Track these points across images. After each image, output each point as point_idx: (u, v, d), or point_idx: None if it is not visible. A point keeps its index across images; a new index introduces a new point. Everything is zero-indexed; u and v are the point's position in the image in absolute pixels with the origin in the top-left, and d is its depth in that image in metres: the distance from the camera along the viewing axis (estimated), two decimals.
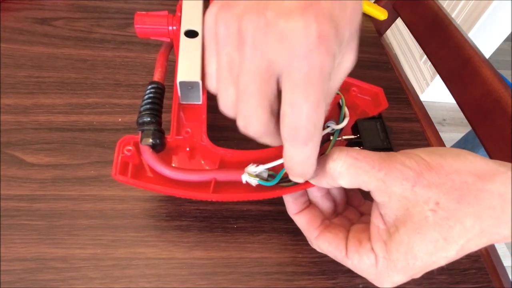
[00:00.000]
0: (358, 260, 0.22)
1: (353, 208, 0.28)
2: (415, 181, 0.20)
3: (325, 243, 0.24)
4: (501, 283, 0.30)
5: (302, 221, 0.26)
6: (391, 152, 0.21)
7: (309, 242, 0.26)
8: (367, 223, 0.25)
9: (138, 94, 0.36)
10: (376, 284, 0.23)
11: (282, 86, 0.17)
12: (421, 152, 0.21)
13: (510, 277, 0.31)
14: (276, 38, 0.16)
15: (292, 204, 0.26)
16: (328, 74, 0.17)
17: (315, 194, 0.26)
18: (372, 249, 0.22)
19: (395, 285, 0.22)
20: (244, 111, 0.18)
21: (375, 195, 0.21)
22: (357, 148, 0.22)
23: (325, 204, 0.27)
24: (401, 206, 0.20)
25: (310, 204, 0.27)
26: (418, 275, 0.22)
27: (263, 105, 0.18)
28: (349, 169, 0.21)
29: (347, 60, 0.19)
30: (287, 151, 0.19)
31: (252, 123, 0.19)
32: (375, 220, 0.22)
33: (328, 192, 0.27)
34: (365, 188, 0.21)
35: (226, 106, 0.20)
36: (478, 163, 0.20)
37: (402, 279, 0.22)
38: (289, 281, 0.27)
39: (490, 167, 0.20)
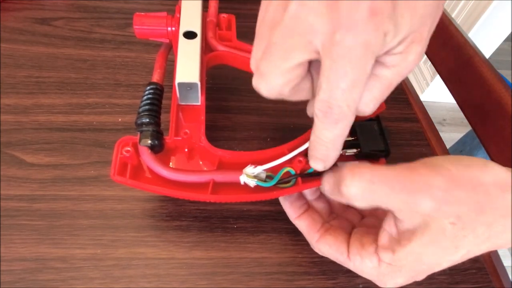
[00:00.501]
0: (360, 262, 0.22)
1: (353, 209, 0.28)
2: (441, 199, 0.19)
3: (326, 246, 0.24)
4: (501, 283, 0.30)
5: (303, 225, 0.26)
6: (411, 165, 0.20)
7: (311, 246, 0.26)
8: (369, 226, 0.25)
9: (138, 94, 0.36)
10: (378, 284, 0.23)
11: (322, 58, 0.16)
12: (446, 163, 0.19)
13: (510, 277, 0.31)
14: (326, 3, 0.15)
15: (289, 209, 0.26)
16: (373, 53, 0.16)
17: (309, 198, 0.27)
18: (376, 252, 0.22)
19: (397, 286, 0.22)
20: (264, 65, 0.17)
21: (396, 213, 0.20)
22: (368, 164, 0.20)
23: (319, 205, 0.27)
24: (422, 221, 0.20)
25: (309, 208, 0.26)
26: (421, 277, 0.21)
27: (285, 66, 0.17)
28: (364, 194, 0.20)
29: (413, 51, 0.17)
30: (316, 129, 0.19)
31: (266, 78, 0.18)
32: (388, 228, 0.22)
33: (321, 195, 0.27)
34: (384, 208, 0.20)
35: (252, 61, 0.19)
36: (502, 174, 0.19)
37: (405, 281, 0.22)
38: (289, 281, 0.27)
39: (509, 177, 0.19)
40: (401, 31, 0.16)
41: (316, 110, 0.18)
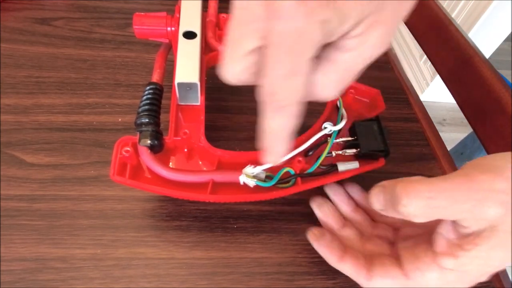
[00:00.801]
0: (421, 276, 0.21)
1: (382, 223, 0.27)
2: (508, 203, 0.18)
3: (378, 278, 0.22)
4: (501, 283, 0.30)
5: (347, 267, 0.24)
6: (464, 172, 0.19)
7: (361, 284, 0.24)
8: (410, 237, 0.24)
9: (138, 94, 0.36)
10: None
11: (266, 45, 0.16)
12: (499, 162, 0.19)
13: (510, 277, 0.31)
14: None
15: (328, 253, 0.24)
16: (310, 41, 0.16)
17: (344, 210, 0.27)
18: (434, 260, 0.20)
19: None
20: (225, 54, 0.18)
21: (459, 222, 0.20)
22: (420, 178, 0.20)
23: (358, 218, 0.27)
24: (488, 226, 0.19)
25: (346, 248, 0.25)
26: (485, 278, 0.20)
27: (238, 54, 0.17)
28: (425, 211, 0.19)
29: (373, 35, 0.17)
30: (262, 118, 0.18)
31: (226, 65, 0.18)
32: (445, 233, 0.21)
33: (358, 206, 0.27)
34: (446, 219, 0.20)
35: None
36: None
37: (470, 284, 0.20)
38: (289, 281, 0.27)
39: None
40: (348, 16, 0.16)
41: (261, 98, 0.17)
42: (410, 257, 0.22)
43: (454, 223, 0.20)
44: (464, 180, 0.19)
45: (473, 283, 0.20)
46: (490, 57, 1.33)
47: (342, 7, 0.16)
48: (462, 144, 0.88)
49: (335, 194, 0.29)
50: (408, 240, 0.24)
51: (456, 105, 0.41)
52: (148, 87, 0.27)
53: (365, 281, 0.23)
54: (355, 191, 0.29)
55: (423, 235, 0.23)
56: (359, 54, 0.18)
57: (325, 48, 0.18)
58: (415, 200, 0.19)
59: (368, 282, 0.23)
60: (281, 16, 0.15)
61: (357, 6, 0.16)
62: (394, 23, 0.18)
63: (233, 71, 0.18)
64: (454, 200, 0.18)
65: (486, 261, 0.19)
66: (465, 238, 0.20)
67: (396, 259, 0.23)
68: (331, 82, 0.18)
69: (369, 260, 0.24)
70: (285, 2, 0.15)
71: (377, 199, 0.22)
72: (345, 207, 0.28)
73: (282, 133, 0.18)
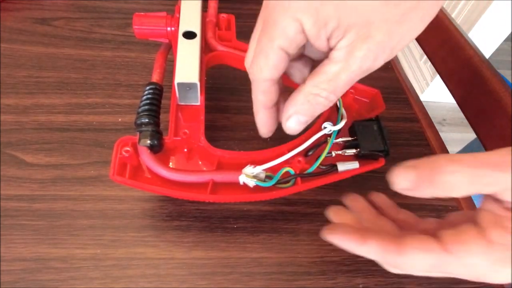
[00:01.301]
0: (464, 251, 0.18)
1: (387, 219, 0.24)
2: None
3: (414, 251, 0.19)
4: (501, 283, 0.30)
5: (375, 247, 0.20)
6: (503, 149, 0.18)
7: (390, 268, 0.21)
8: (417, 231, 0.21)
9: (138, 94, 0.36)
10: (487, 279, 0.18)
11: None
12: None
13: None
14: None
15: (348, 239, 0.21)
16: (281, 32, 0.19)
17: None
18: (481, 234, 0.18)
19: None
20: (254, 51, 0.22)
21: (504, 195, 0.18)
22: (454, 154, 0.19)
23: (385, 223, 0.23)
24: None
25: (367, 231, 0.22)
26: None
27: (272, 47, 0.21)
28: (470, 179, 0.18)
29: (360, 48, 0.18)
30: None
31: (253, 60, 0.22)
32: (489, 207, 0.19)
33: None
34: (487, 192, 0.18)
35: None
36: None
37: None
38: (289, 281, 0.27)
39: None
40: (324, 21, 0.18)
41: None
42: (452, 232, 0.19)
43: (497, 199, 0.19)
44: (504, 152, 0.18)
45: None
46: (490, 57, 1.33)
47: (320, 12, 0.18)
48: (469, 149, 0.88)
49: (353, 200, 0.26)
50: (445, 220, 0.22)
51: (456, 105, 0.41)
52: (148, 87, 0.27)
53: (395, 255, 0.19)
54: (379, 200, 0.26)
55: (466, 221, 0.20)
56: (347, 66, 0.19)
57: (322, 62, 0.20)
58: (460, 167, 0.18)
59: (399, 257, 0.19)
60: (266, 6, 0.20)
61: (336, 13, 0.18)
62: (383, 39, 0.18)
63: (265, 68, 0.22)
64: (496, 166, 0.18)
65: None
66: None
67: (434, 236, 0.20)
68: (322, 90, 0.21)
69: (401, 235, 0.20)
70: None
71: (405, 177, 0.20)
72: (367, 214, 0.25)
73: (260, 103, 0.23)
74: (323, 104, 0.21)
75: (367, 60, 0.19)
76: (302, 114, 0.22)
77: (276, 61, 0.21)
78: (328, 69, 0.20)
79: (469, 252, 0.18)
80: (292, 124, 0.23)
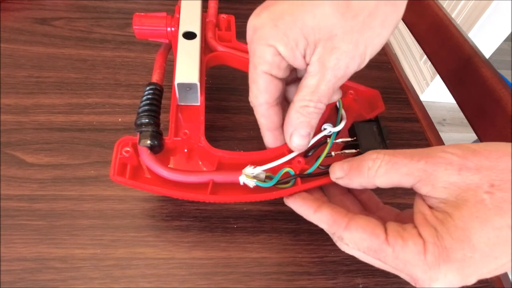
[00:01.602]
0: (401, 246, 0.19)
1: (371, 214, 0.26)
2: (460, 165, 0.18)
3: (359, 229, 0.21)
4: (501, 283, 0.30)
5: (325, 216, 0.22)
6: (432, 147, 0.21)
7: (336, 240, 0.23)
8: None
9: (138, 94, 0.36)
10: (422, 284, 0.19)
11: None
12: (464, 144, 0.20)
13: (510, 277, 0.31)
14: None
15: (303, 206, 0.24)
16: (261, 59, 0.22)
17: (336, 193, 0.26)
18: (420, 234, 0.19)
19: (448, 286, 0.19)
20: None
21: (418, 187, 0.20)
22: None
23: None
24: (450, 194, 0.19)
25: (327, 201, 0.25)
26: (473, 278, 0.18)
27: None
28: (387, 165, 0.20)
29: (329, 58, 0.21)
30: None
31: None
32: (420, 209, 0.20)
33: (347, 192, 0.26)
34: (405, 183, 0.20)
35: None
36: None
37: (456, 279, 0.18)
38: (289, 281, 0.27)
39: None
40: (297, 42, 0.21)
41: None
42: (396, 226, 0.20)
43: (424, 198, 0.20)
44: (426, 149, 0.20)
45: (458, 277, 0.18)
46: (490, 57, 1.33)
47: (289, 36, 0.21)
48: None
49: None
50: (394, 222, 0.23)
51: (456, 105, 0.41)
52: (148, 88, 0.27)
53: (341, 228, 0.21)
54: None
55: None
56: (323, 77, 0.21)
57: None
58: (382, 156, 0.21)
59: (344, 231, 0.21)
60: (248, 38, 0.23)
61: (302, 33, 0.21)
62: (353, 48, 0.21)
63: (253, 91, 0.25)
64: (411, 158, 0.20)
65: (466, 235, 0.18)
66: (441, 214, 0.19)
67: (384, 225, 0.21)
68: (307, 103, 0.23)
69: (354, 214, 0.22)
70: (248, 31, 0.23)
71: (340, 167, 0.23)
72: (334, 188, 0.26)
73: (263, 126, 0.25)
74: (315, 113, 0.23)
75: (339, 69, 0.21)
76: (300, 128, 0.24)
77: (264, 85, 0.23)
78: (308, 83, 0.22)
79: (404, 247, 0.19)
80: (296, 140, 0.24)
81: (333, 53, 0.21)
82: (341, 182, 0.23)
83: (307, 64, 0.22)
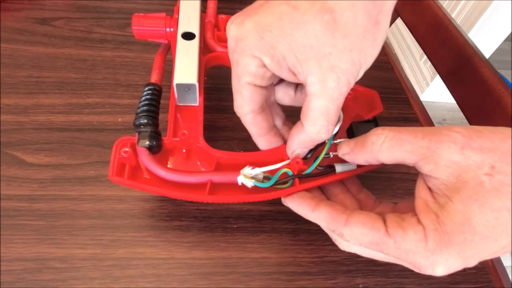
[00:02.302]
0: (402, 236, 0.19)
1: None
2: (464, 144, 0.18)
3: (359, 224, 0.21)
4: (501, 283, 0.30)
5: (323, 213, 0.22)
6: (438, 126, 0.21)
7: (335, 238, 0.23)
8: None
9: (138, 94, 0.36)
10: (425, 271, 0.19)
11: None
12: (470, 125, 0.20)
13: (510, 277, 0.31)
14: None
15: (301, 204, 0.24)
16: (245, 70, 0.22)
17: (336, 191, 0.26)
18: (419, 222, 0.19)
19: (450, 270, 0.19)
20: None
21: (420, 165, 0.20)
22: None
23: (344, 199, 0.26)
24: (451, 174, 0.19)
25: (324, 198, 0.25)
26: (474, 261, 0.19)
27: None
28: (391, 141, 0.20)
29: (328, 78, 0.20)
30: None
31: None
32: (422, 194, 0.20)
33: (347, 190, 0.26)
34: (408, 160, 0.20)
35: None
36: None
37: (457, 262, 0.18)
38: (289, 281, 0.27)
39: None
40: (284, 57, 0.20)
41: None
42: (395, 217, 0.20)
43: (426, 179, 0.20)
44: (431, 127, 0.20)
45: (459, 261, 0.18)
46: (490, 57, 1.33)
47: (276, 50, 0.20)
48: None
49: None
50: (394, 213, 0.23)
51: (456, 105, 0.41)
52: (146, 88, 0.27)
53: (341, 225, 0.21)
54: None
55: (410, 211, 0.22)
56: (329, 96, 0.21)
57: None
58: (387, 132, 0.21)
59: (344, 227, 0.21)
60: (229, 47, 0.22)
61: (291, 49, 0.20)
62: (351, 67, 0.21)
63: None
64: (415, 135, 0.20)
65: (466, 218, 0.18)
66: (441, 197, 0.19)
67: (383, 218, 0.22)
68: (320, 126, 0.22)
69: (353, 210, 0.22)
70: (230, 40, 0.22)
71: (347, 144, 0.23)
72: (333, 187, 0.27)
73: (253, 134, 0.25)
74: (324, 137, 0.23)
75: (342, 87, 0.21)
76: (306, 148, 0.25)
77: (249, 95, 0.23)
78: (315, 105, 0.21)
79: (405, 237, 0.19)
80: (299, 153, 0.25)
81: (334, 72, 0.20)
82: (347, 158, 0.23)
83: (301, 82, 0.22)
